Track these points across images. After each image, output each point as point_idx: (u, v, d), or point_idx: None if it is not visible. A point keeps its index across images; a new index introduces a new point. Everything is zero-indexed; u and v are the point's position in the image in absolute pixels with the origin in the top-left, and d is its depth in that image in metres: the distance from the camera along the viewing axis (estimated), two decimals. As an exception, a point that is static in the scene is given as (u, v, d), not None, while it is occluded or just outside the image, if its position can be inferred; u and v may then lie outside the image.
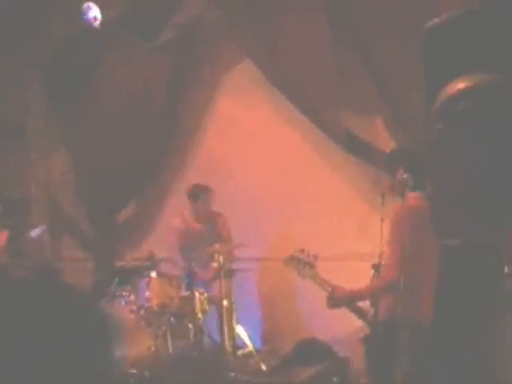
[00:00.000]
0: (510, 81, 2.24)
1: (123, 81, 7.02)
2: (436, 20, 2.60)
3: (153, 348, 5.70)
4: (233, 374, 5.68)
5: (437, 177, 2.59)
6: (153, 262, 6.33)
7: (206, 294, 5.98)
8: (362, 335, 5.30)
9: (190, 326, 5.90)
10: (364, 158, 5.96)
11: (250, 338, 6.21)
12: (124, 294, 6.01)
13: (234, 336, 6.07)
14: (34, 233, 6.75)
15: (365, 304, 4.41)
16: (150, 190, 7.34)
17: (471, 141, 2.35)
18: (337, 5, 5.85)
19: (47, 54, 6.98)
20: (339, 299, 4.20)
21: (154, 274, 5.99)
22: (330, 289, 4.26)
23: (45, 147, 7.45)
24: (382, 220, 5.36)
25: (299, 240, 6.53)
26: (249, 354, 6.16)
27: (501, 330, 4.38)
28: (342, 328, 6.08)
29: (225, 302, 5.99)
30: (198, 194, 6.41)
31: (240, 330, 6.15)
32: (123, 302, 5.97)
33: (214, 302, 6.01)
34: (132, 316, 5.85)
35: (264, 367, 6.00)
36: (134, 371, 5.36)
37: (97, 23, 6.54)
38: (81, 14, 6.49)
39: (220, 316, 6.04)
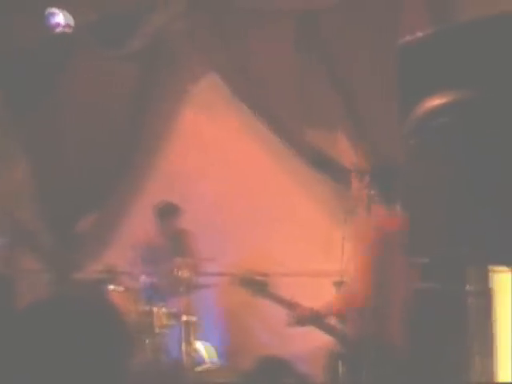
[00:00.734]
0: (487, 97, 2.23)
1: (86, 90, 6.90)
2: (411, 36, 2.59)
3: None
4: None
5: (409, 194, 2.57)
6: (112, 275, 6.21)
7: (164, 309, 5.88)
8: (328, 352, 5.27)
9: (147, 341, 5.78)
10: (329, 175, 5.94)
11: (210, 354, 6.11)
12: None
13: (193, 352, 5.96)
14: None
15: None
16: (111, 202, 7.21)
17: (446, 157, 2.34)
18: (303, 20, 5.85)
19: (7, 61, 6.81)
20: (300, 317, 4.12)
21: (112, 287, 5.86)
22: (289, 307, 4.17)
23: (3, 157, 7.27)
24: (344, 238, 5.36)
25: (263, 256, 6.49)
26: (208, 371, 6.06)
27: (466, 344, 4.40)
28: (305, 345, 6.04)
29: (185, 318, 5.89)
30: (167, 213, 6.30)
31: (199, 346, 6.06)
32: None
33: (176, 317, 5.90)
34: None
35: (223, 384, 5.92)
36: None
37: (60, 29, 6.42)
38: (44, 19, 6.38)
39: (181, 332, 5.93)
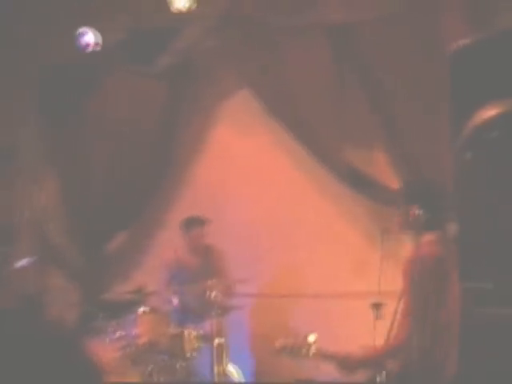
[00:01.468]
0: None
1: (117, 107, 6.83)
2: (463, 41, 2.42)
3: (141, 387, 5.43)
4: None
5: (463, 213, 2.39)
6: (142, 296, 6.06)
7: (195, 332, 5.72)
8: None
9: (178, 365, 5.63)
10: (365, 194, 5.76)
11: (242, 377, 5.93)
12: (109, 329, 5.74)
13: (224, 375, 5.78)
14: (21, 263, 6.50)
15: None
16: (141, 221, 7.09)
17: (503, 170, 2.16)
18: (340, 36, 5.71)
19: (40, 79, 6.77)
20: (355, 367, 3.91)
21: (142, 309, 5.71)
22: (338, 360, 3.96)
23: (34, 173, 7.21)
24: (382, 258, 5.16)
25: (297, 277, 6.32)
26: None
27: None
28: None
29: (217, 340, 5.72)
30: (192, 223, 6.18)
31: (231, 369, 5.88)
32: (108, 339, 5.69)
33: (207, 339, 5.74)
34: (117, 354, 5.58)
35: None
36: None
37: (90, 48, 6.36)
38: (75, 39, 6.33)
39: (213, 355, 5.76)
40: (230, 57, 6.30)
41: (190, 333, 5.65)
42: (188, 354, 5.57)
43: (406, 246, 4.12)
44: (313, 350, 3.96)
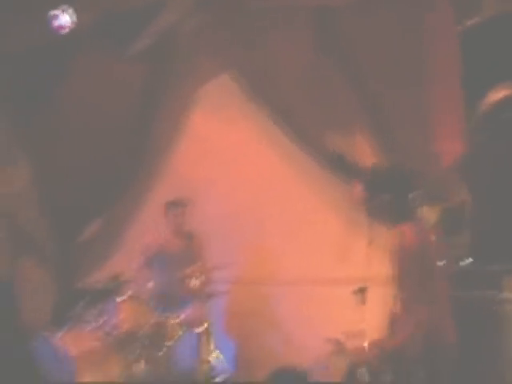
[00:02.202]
0: None
1: (92, 91, 6.67)
2: (475, 19, 2.39)
3: (121, 377, 5.36)
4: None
5: (476, 192, 2.37)
6: (119, 284, 5.97)
7: (177, 319, 5.67)
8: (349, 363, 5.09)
9: (161, 353, 5.57)
10: (349, 179, 5.74)
11: (224, 364, 5.91)
12: (89, 318, 5.65)
13: (206, 363, 5.75)
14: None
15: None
16: (118, 207, 6.97)
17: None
18: (323, 19, 5.66)
19: (12, 61, 6.57)
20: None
21: (123, 297, 5.63)
22: None
23: (5, 158, 7.03)
24: (366, 244, 5.17)
25: (278, 262, 6.30)
26: (222, 382, 5.85)
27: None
28: (320, 354, 5.86)
29: (200, 327, 5.67)
30: (175, 205, 6.11)
31: (213, 357, 5.84)
32: (89, 327, 5.61)
33: (189, 326, 5.69)
34: (98, 342, 5.49)
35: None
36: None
37: (64, 31, 6.20)
38: (47, 21, 6.15)
39: (196, 341, 5.71)
40: (209, 41, 6.19)
41: (172, 320, 5.60)
42: (170, 342, 5.51)
43: (390, 232, 4.14)
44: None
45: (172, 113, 6.78)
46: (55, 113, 6.84)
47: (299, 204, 6.19)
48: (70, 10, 5.99)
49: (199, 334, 5.70)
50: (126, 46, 6.36)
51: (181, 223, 6.16)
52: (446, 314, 3.80)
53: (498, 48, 2.28)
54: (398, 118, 5.44)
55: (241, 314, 6.47)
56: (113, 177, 6.82)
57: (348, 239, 5.89)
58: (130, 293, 5.79)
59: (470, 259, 4.23)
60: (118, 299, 5.67)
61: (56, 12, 6.13)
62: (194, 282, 5.71)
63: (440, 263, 3.89)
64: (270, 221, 6.31)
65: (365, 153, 5.71)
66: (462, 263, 3.90)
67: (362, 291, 5.20)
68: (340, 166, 5.74)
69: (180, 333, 5.62)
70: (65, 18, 6.13)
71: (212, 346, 5.77)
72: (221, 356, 5.88)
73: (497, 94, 2.16)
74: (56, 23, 6.13)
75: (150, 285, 5.96)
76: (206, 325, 5.73)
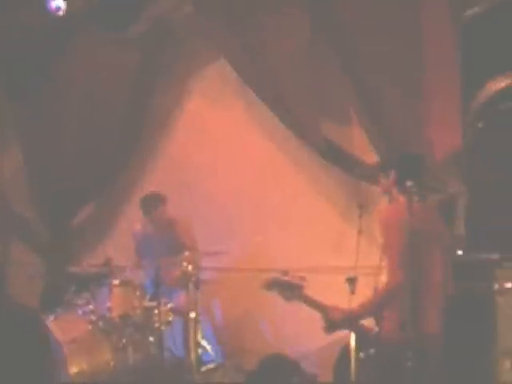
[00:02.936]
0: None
1: (86, 75, 6.62)
2: (475, 8, 2.37)
3: (112, 362, 5.34)
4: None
5: (474, 181, 2.37)
6: (110, 268, 5.95)
7: (169, 305, 5.65)
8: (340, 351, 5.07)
9: (151, 338, 5.57)
10: (342, 168, 5.73)
11: (214, 351, 5.90)
12: (81, 302, 5.64)
13: (196, 349, 5.73)
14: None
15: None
16: (110, 193, 6.93)
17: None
18: (317, 3, 5.61)
19: (6, 41, 6.50)
20: (339, 321, 3.86)
21: (116, 282, 5.61)
22: (324, 311, 3.93)
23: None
24: (360, 232, 5.15)
25: (270, 251, 6.27)
26: (212, 369, 5.85)
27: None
28: (310, 343, 5.86)
29: (189, 314, 5.65)
30: (149, 206, 6.05)
31: (203, 343, 5.84)
32: (80, 312, 5.60)
33: (179, 313, 5.67)
34: (89, 327, 5.48)
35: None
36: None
37: (60, 13, 6.15)
38: (43, 3, 6.10)
39: (185, 329, 5.70)
40: (205, 26, 6.14)
41: (163, 306, 5.57)
42: (161, 328, 5.50)
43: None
44: (302, 293, 3.90)
45: (167, 99, 6.74)
46: (47, 97, 6.79)
47: (292, 191, 6.16)
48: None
49: (190, 321, 5.68)
50: (121, 32, 6.31)
51: (159, 217, 6.08)
52: (432, 303, 3.74)
53: (497, 38, 2.27)
54: (393, 106, 5.41)
55: (231, 302, 6.46)
56: (106, 161, 6.79)
57: (341, 228, 5.89)
58: (122, 278, 5.79)
59: (461, 251, 4.23)
60: (111, 284, 5.65)
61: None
62: (183, 270, 5.67)
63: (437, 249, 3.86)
64: (263, 208, 6.28)
65: (358, 142, 5.69)
66: (455, 254, 3.88)
67: (351, 281, 5.19)
68: (332, 155, 5.72)
69: (169, 319, 5.61)
70: (59, 1, 6.10)
71: (200, 334, 5.75)
72: (209, 345, 5.88)
73: (496, 84, 2.14)
74: (53, 4, 6.09)
75: (141, 271, 5.95)
76: (196, 312, 5.71)
